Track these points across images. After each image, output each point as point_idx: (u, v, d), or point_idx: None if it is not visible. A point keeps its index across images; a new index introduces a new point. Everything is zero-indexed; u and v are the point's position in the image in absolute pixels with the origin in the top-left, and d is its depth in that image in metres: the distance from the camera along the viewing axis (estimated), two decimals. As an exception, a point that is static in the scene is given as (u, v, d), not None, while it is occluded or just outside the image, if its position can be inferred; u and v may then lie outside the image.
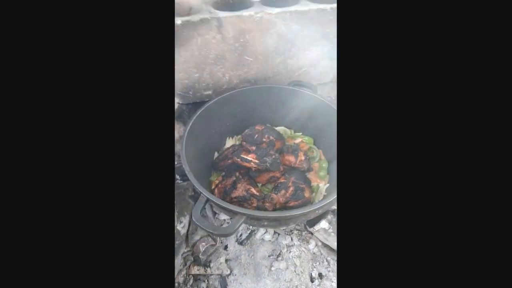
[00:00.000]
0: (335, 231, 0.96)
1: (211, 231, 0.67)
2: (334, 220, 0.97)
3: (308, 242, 1.02)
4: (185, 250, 0.99)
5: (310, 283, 0.94)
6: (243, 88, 1.11)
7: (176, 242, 0.94)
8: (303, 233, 1.04)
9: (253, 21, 1.03)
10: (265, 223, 0.75)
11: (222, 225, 1.03)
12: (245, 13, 1.01)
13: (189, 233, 1.00)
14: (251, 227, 1.04)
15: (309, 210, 0.69)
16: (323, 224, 0.95)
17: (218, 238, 1.01)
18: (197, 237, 1.00)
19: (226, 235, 0.67)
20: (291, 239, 1.03)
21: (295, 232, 1.05)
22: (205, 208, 0.88)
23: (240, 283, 0.93)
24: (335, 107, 1.00)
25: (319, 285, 0.94)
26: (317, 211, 0.76)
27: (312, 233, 1.02)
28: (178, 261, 0.95)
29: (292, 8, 1.04)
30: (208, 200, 0.73)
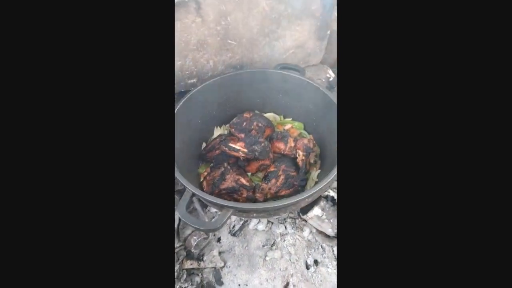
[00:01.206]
0: (329, 217, 0.94)
1: (197, 227, 0.64)
2: (327, 206, 0.94)
3: (302, 230, 1.00)
4: (177, 245, 0.97)
5: (305, 271, 0.93)
6: (227, 74, 1.05)
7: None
8: (297, 221, 1.02)
9: (233, 1, 0.97)
10: (254, 214, 0.72)
11: (213, 218, 1.01)
12: (224, -8, 0.94)
13: (179, 227, 0.98)
14: (244, 217, 1.01)
15: (297, 199, 0.66)
16: (316, 211, 0.92)
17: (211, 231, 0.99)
18: (188, 231, 0.97)
19: (214, 230, 0.64)
20: (285, 228, 1.01)
21: (289, 220, 1.03)
22: (193, 202, 0.85)
23: (235, 275, 0.92)
24: (325, 90, 0.96)
25: (314, 271, 0.93)
26: (307, 199, 0.73)
27: (306, 221, 1.00)
28: (171, 256, 0.93)
29: (275, -15, 0.98)
30: (193, 194, 0.69)
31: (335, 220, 0.95)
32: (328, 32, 1.21)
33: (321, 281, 0.92)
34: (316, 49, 1.25)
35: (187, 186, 0.70)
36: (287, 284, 0.91)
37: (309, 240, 0.99)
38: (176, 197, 0.98)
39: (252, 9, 1.01)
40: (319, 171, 0.99)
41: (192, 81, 1.14)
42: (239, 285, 0.90)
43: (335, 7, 1.14)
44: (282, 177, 0.90)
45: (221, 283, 0.91)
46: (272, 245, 0.98)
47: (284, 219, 1.03)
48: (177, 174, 0.72)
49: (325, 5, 1.09)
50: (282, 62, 1.15)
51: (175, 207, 0.69)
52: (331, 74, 1.36)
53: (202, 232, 0.96)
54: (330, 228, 0.95)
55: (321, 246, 0.97)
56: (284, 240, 0.99)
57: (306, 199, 0.72)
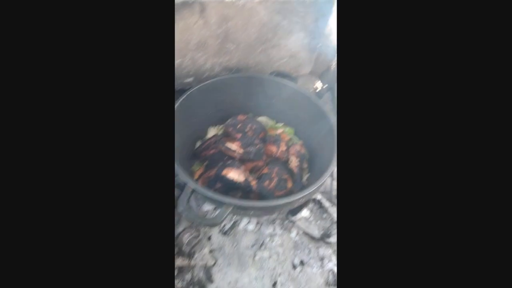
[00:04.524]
0: (316, 219, 0.99)
1: (200, 221, 0.65)
2: (315, 208, 1.00)
3: (290, 231, 1.04)
4: (166, 243, 0.96)
5: (292, 270, 0.97)
6: (225, 76, 1.08)
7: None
8: (285, 222, 1.06)
9: (236, 7, 1.01)
10: (251, 212, 0.75)
11: (205, 215, 1.01)
12: (228, -1, 0.98)
13: (170, 225, 0.97)
14: (234, 217, 1.03)
15: (294, 199, 0.70)
16: (305, 213, 0.97)
17: (202, 229, 1.00)
18: (180, 229, 0.97)
19: (214, 225, 0.66)
20: (274, 229, 1.04)
21: (278, 221, 1.06)
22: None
23: (225, 273, 0.93)
24: (315, 100, 1.02)
25: (301, 271, 0.97)
26: (300, 200, 0.77)
27: (294, 222, 1.04)
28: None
29: (275, -3, 1.03)
30: (193, 190, 0.70)
31: (322, 222, 1.00)
32: (319, 45, 1.28)
33: (306, 281, 0.96)
34: (306, 60, 1.32)
35: (188, 182, 0.71)
36: (275, 283, 0.93)
37: (295, 241, 1.03)
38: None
39: (252, 17, 1.06)
40: (308, 174, 1.04)
41: (188, 80, 1.15)
42: (229, 283, 0.92)
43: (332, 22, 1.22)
44: (275, 179, 0.93)
45: (212, 281, 0.92)
46: (261, 245, 1.00)
47: (273, 220, 1.07)
48: (179, 172, 0.73)
49: (319, 20, 1.17)
50: (275, 69, 1.20)
51: (177, 202, 0.70)
52: (318, 86, 1.44)
53: (193, 230, 0.97)
54: (317, 229, 1.00)
55: (308, 247, 1.02)
56: (273, 241, 1.02)
57: (301, 199, 0.77)
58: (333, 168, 0.81)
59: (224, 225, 1.03)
